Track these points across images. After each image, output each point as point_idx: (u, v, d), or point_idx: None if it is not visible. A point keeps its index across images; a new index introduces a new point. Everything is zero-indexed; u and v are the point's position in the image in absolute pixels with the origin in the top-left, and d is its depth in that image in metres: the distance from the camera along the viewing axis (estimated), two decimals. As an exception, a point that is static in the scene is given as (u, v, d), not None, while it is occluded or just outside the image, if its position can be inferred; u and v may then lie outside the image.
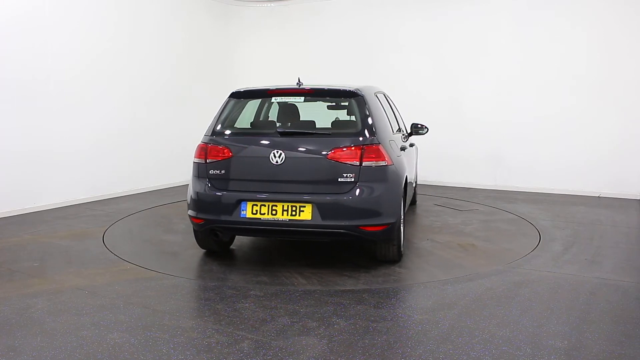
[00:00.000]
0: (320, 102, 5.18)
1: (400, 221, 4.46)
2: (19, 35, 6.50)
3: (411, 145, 6.03)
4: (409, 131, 6.34)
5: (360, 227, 4.14)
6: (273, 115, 5.30)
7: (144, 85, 8.38)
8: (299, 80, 4.88)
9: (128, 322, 3.34)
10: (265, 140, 4.37)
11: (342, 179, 4.14)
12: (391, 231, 4.30)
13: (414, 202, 7.27)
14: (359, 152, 4.16)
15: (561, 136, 8.30)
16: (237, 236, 5.14)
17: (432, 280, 4.20)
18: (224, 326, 3.28)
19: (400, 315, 3.46)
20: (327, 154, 4.17)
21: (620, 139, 7.91)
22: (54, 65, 6.95)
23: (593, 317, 3.43)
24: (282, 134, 4.38)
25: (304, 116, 5.06)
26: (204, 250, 4.97)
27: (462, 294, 3.87)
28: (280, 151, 4.21)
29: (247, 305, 3.63)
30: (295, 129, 4.66)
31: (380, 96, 5.57)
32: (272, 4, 10.39)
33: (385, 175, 4.25)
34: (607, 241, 5.43)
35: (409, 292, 3.94)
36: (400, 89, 8.62)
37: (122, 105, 8.00)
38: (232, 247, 5.16)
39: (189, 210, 4.52)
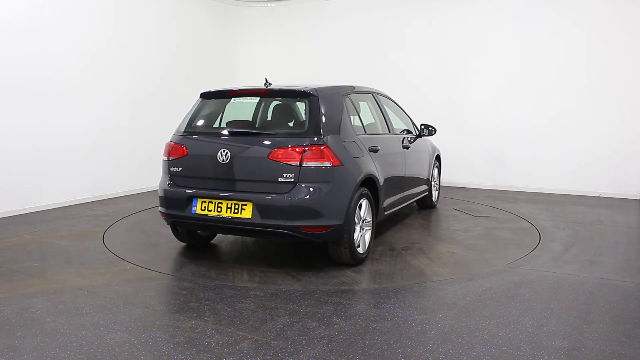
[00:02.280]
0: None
1: (353, 224, 4.35)
2: (19, 35, 6.50)
3: (406, 147, 5.81)
4: (418, 132, 6.33)
5: (300, 228, 4.13)
6: (270, 114, 5.29)
7: (144, 85, 8.38)
8: (266, 81, 4.92)
9: (128, 322, 3.34)
10: (216, 139, 4.51)
11: (282, 179, 4.15)
12: (336, 233, 4.24)
13: (432, 206, 7.06)
14: (299, 152, 4.15)
15: (561, 136, 8.30)
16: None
17: (383, 286, 4.16)
18: (224, 326, 3.27)
19: (400, 315, 3.46)
20: (268, 154, 4.19)
21: (621, 139, 7.91)
22: (54, 65, 6.95)
23: (593, 317, 3.43)
24: (232, 134, 4.49)
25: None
26: (195, 246, 5.18)
27: (462, 294, 3.86)
28: (226, 150, 4.32)
29: (247, 305, 3.63)
30: (243, 129, 4.67)
31: (365, 96, 5.53)
32: (272, 4, 10.40)
33: (329, 176, 4.18)
34: (607, 241, 5.43)
35: (409, 292, 3.94)
36: (401, 89, 8.62)
37: (121, 106, 8.00)
38: (218, 242, 5.32)
39: (159, 206, 4.79)
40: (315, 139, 4.22)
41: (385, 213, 5.22)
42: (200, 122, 4.81)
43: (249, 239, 5.48)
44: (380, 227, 5.92)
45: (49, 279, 4.20)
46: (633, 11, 7.69)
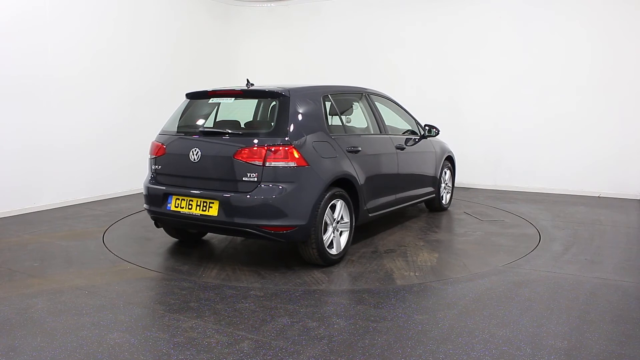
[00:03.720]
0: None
1: (321, 224, 4.31)
2: (19, 35, 6.50)
3: (400, 148, 5.66)
4: (422, 133, 6.30)
5: (263, 227, 4.17)
6: (245, 114, 5.31)
7: (143, 85, 8.38)
8: (247, 82, 4.97)
9: (128, 322, 3.34)
10: (190, 138, 4.63)
11: (246, 179, 4.20)
12: (300, 233, 4.23)
13: (442, 208, 6.86)
14: (263, 152, 4.18)
15: (561, 136, 8.30)
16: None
17: (360, 288, 4.19)
18: (224, 326, 3.28)
19: (400, 315, 3.46)
20: (234, 154, 4.24)
21: (621, 140, 7.91)
22: (54, 65, 6.94)
23: (593, 317, 3.43)
24: (203, 133, 4.59)
25: None
26: (186, 242, 5.35)
27: (462, 294, 3.87)
28: (197, 149, 4.42)
29: (247, 305, 3.63)
30: (213, 129, 4.69)
31: (355, 97, 5.48)
32: (272, 4, 10.40)
33: (293, 176, 4.19)
34: (607, 241, 5.43)
35: (409, 292, 3.94)
36: (400, 89, 8.63)
37: (121, 106, 8.00)
38: (209, 238, 5.46)
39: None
40: (282, 139, 4.24)
41: (371, 215, 5.12)
42: (180, 122, 4.92)
43: (238, 237, 5.46)
44: (375, 228, 5.90)
45: (49, 279, 4.20)
46: (634, 11, 7.69)
